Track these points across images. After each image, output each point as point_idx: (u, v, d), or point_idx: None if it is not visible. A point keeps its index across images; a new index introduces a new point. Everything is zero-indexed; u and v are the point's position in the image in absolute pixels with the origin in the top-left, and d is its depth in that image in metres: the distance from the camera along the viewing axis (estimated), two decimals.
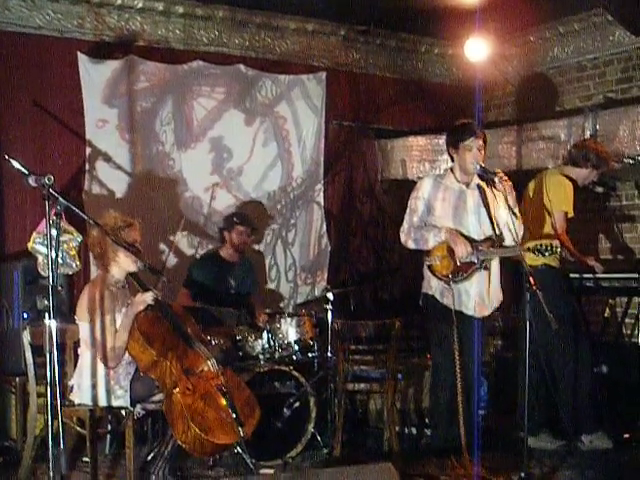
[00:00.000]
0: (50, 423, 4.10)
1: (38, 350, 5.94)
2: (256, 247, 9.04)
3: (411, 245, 6.54)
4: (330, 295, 7.12)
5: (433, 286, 6.53)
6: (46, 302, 4.11)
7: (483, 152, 6.42)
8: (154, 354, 5.50)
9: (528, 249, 6.12)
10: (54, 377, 4.13)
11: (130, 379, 5.68)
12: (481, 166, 6.25)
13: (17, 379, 6.94)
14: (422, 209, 6.50)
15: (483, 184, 6.34)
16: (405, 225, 6.57)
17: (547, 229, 6.89)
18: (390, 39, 9.82)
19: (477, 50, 8.79)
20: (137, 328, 5.56)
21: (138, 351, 5.56)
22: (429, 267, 6.49)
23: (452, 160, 6.59)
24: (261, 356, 6.87)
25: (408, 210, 6.60)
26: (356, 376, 7.01)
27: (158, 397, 5.71)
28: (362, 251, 9.69)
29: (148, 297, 5.63)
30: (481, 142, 6.41)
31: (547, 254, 6.14)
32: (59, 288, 4.22)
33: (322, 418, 6.86)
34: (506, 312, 7.46)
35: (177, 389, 5.41)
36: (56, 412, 4.18)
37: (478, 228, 6.42)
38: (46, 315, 4.21)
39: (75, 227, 6.88)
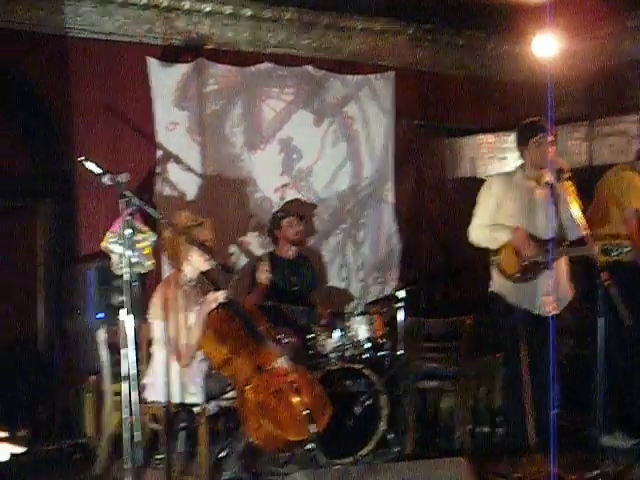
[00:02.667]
0: (129, 414, 4.17)
1: (113, 349, 6.06)
2: (324, 249, 9.09)
3: (479, 243, 6.52)
4: (401, 293, 7.10)
5: (500, 284, 6.50)
6: (122, 298, 4.18)
7: (554, 148, 6.37)
8: (226, 352, 5.56)
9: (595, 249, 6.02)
10: (130, 370, 4.19)
11: (203, 376, 5.75)
12: (551, 162, 6.20)
13: (92, 378, 7.05)
14: (491, 207, 6.46)
15: (553, 181, 6.28)
16: (474, 223, 6.55)
17: (617, 227, 6.79)
18: (457, 37, 9.80)
19: (545, 46, 8.72)
20: (209, 326, 5.62)
21: (211, 349, 5.62)
22: (496, 266, 6.46)
23: (522, 157, 6.54)
24: (332, 354, 6.86)
25: (477, 208, 6.57)
26: (427, 374, 6.99)
27: (231, 394, 5.77)
28: (432, 249, 9.67)
29: (220, 296, 5.68)
30: (552, 138, 6.35)
31: (614, 254, 6.03)
32: (134, 284, 4.27)
33: (393, 416, 6.85)
34: (577, 309, 7.38)
35: (249, 386, 5.46)
36: (132, 405, 4.24)
37: (547, 226, 6.35)
38: (122, 311, 4.28)
39: (148, 227, 6.97)
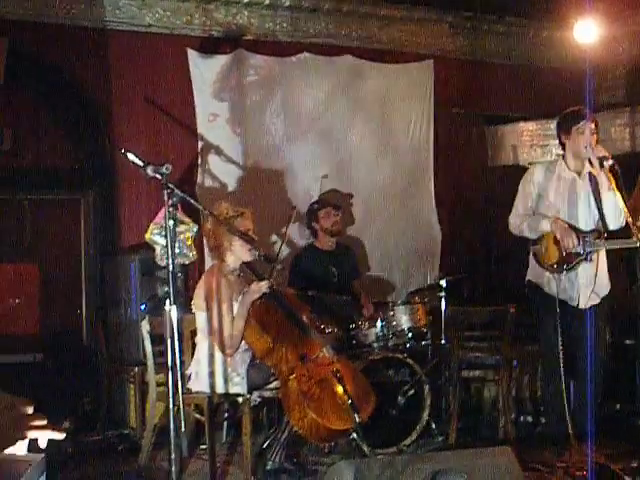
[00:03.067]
0: (171, 406, 4.18)
1: (157, 339, 6.09)
2: (366, 239, 9.06)
3: (518, 233, 6.47)
4: (443, 282, 7.08)
5: (538, 274, 6.45)
6: (166, 289, 4.19)
7: (596, 136, 6.30)
8: (270, 341, 5.55)
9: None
10: (174, 360, 4.20)
11: (246, 366, 5.76)
12: (593, 150, 6.13)
13: (136, 369, 7.09)
14: (533, 197, 6.41)
15: (594, 172, 6.21)
16: (514, 212, 6.51)
17: None
18: (497, 24, 9.73)
19: (586, 32, 8.62)
20: (253, 316, 5.63)
21: (254, 339, 5.62)
22: (534, 255, 6.42)
23: (563, 148, 6.48)
24: (375, 344, 6.84)
25: (518, 197, 6.52)
26: (470, 363, 6.97)
27: (274, 384, 5.78)
28: (473, 239, 9.62)
29: (263, 286, 5.68)
30: (593, 125, 6.29)
31: None
32: (178, 275, 4.28)
33: (436, 406, 6.84)
34: (617, 297, 7.33)
35: (293, 376, 5.44)
36: (177, 396, 4.26)
37: (588, 218, 6.29)
38: (167, 302, 4.29)
39: (190, 218, 7.00)
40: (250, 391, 5.76)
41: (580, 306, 6.28)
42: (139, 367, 7.02)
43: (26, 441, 1.86)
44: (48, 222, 8.17)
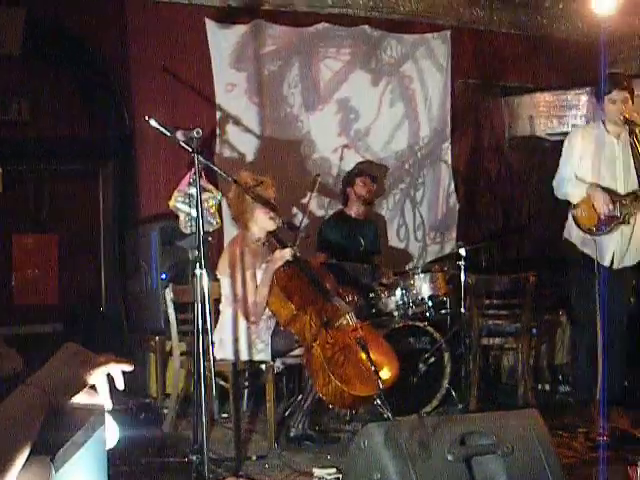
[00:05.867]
0: (202, 369, 4.22)
1: (179, 308, 6.12)
2: (383, 209, 9.04)
3: (560, 196, 6.56)
4: (462, 251, 7.09)
5: (574, 234, 6.48)
6: (193, 254, 4.22)
7: (630, 104, 6.33)
8: (293, 308, 5.59)
9: None
10: (203, 324, 4.23)
11: (270, 333, 5.79)
12: (626, 118, 6.16)
13: (156, 338, 7.11)
14: (573, 160, 6.46)
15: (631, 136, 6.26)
16: (556, 176, 6.57)
17: None
18: None
19: (603, 3, 8.56)
20: (276, 283, 5.66)
21: (278, 306, 5.66)
22: (574, 218, 6.45)
23: (602, 111, 6.51)
24: (395, 312, 6.88)
25: (561, 161, 6.56)
26: (490, 331, 7.00)
27: (297, 351, 5.82)
28: (490, 209, 9.61)
29: (287, 253, 5.71)
30: (626, 94, 6.32)
31: None
32: (209, 239, 4.31)
33: (456, 373, 6.88)
34: None
35: (317, 342, 5.49)
36: (208, 359, 4.29)
37: (626, 182, 6.34)
38: (191, 269, 4.33)
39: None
40: (274, 358, 5.79)
41: (613, 266, 6.33)
42: (160, 336, 7.04)
43: (106, 387, 1.84)
44: (67, 193, 8.19)
